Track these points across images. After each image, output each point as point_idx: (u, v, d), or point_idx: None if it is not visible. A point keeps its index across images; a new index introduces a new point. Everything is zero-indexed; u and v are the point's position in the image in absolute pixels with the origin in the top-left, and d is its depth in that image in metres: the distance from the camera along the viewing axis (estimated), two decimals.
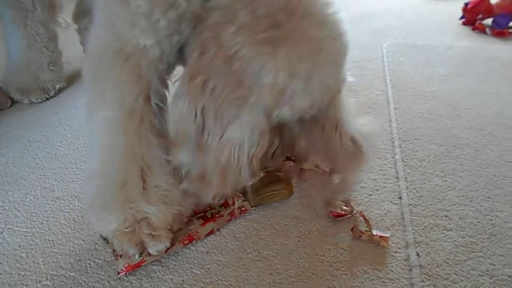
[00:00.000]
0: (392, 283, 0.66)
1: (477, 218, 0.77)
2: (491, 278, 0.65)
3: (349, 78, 0.72)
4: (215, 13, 0.59)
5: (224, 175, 0.62)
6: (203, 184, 0.65)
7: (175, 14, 0.60)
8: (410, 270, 0.68)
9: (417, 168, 0.92)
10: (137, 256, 0.68)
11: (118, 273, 0.67)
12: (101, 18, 0.67)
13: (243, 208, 0.79)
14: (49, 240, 0.76)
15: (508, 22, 1.71)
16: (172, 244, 0.70)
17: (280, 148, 0.73)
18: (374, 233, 0.74)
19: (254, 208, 0.81)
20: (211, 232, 0.75)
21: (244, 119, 0.59)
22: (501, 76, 1.34)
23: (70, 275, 0.69)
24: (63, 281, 0.68)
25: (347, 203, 0.81)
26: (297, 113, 0.63)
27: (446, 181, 0.87)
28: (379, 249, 0.72)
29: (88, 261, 0.71)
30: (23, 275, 0.69)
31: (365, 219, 0.77)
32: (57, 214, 0.82)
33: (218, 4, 0.59)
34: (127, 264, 0.67)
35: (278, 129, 0.68)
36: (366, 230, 0.75)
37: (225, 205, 0.78)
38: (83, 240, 0.76)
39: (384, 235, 0.74)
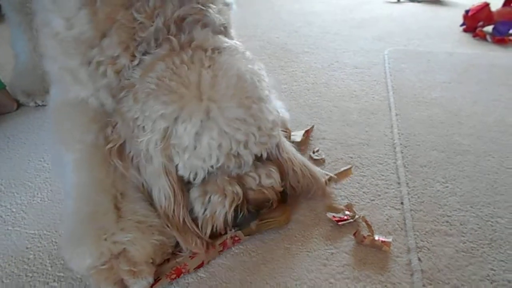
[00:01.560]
0: (394, 287, 0.67)
1: (477, 224, 0.78)
2: (491, 283, 0.66)
3: (284, 115, 0.80)
4: (121, 91, 0.71)
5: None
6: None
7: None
8: (412, 274, 0.69)
9: (418, 174, 0.93)
10: None
11: None
12: (55, 74, 0.78)
13: (236, 238, 0.74)
14: (56, 242, 0.77)
15: (509, 30, 1.72)
16: (158, 279, 0.65)
17: (244, 201, 0.70)
18: (376, 238, 0.75)
19: (248, 236, 0.75)
20: (201, 265, 0.70)
21: (151, 172, 0.68)
22: (502, 83, 1.36)
23: (77, 277, 0.70)
24: (70, 283, 0.69)
25: (349, 208, 0.82)
26: (209, 163, 0.65)
27: (447, 187, 0.88)
28: (381, 254, 0.73)
29: None
30: (31, 277, 0.70)
31: (367, 224, 0.78)
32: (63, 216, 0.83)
33: (125, 83, 0.71)
34: None
35: (238, 182, 0.70)
36: (368, 235, 0.76)
37: (217, 235, 0.72)
38: None
39: (386, 240, 0.75)
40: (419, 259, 0.71)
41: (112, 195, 0.68)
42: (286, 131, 0.89)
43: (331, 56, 1.58)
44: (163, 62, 0.67)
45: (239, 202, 0.68)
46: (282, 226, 0.78)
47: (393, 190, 0.89)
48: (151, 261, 0.66)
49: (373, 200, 0.86)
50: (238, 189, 0.68)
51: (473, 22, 1.82)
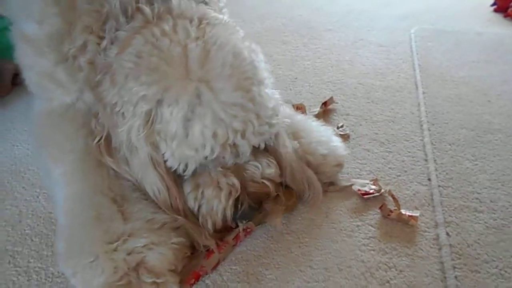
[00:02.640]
0: (422, 260, 0.66)
1: (509, 202, 0.76)
2: None
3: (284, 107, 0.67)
4: (97, 72, 0.63)
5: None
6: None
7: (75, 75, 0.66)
8: (440, 249, 0.68)
9: (446, 151, 0.90)
10: None
11: None
12: (34, 82, 0.71)
13: (248, 229, 0.69)
14: None
15: None
16: None
17: (244, 194, 0.63)
18: (403, 212, 0.74)
19: (259, 225, 0.71)
20: (217, 264, 0.65)
21: (138, 162, 0.61)
22: None
23: None
24: None
25: (375, 182, 0.81)
26: (202, 154, 0.56)
27: (477, 164, 0.86)
28: (408, 228, 0.72)
29: None
30: None
31: (393, 198, 0.77)
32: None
33: (100, 63, 0.63)
34: None
35: (236, 173, 0.62)
36: (394, 209, 0.75)
37: (228, 230, 0.67)
38: None
39: (413, 214, 0.74)
40: (447, 234, 0.70)
41: (111, 198, 0.61)
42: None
43: (356, 34, 1.54)
44: (139, 35, 0.58)
45: (237, 195, 0.61)
46: (291, 211, 0.74)
47: (420, 167, 0.87)
48: (173, 267, 0.59)
49: (399, 175, 0.85)
50: (234, 180, 0.60)
51: (505, 2, 1.74)
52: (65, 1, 0.61)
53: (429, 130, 0.98)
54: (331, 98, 1.08)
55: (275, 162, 0.65)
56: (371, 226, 0.73)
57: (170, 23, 0.58)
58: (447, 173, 0.84)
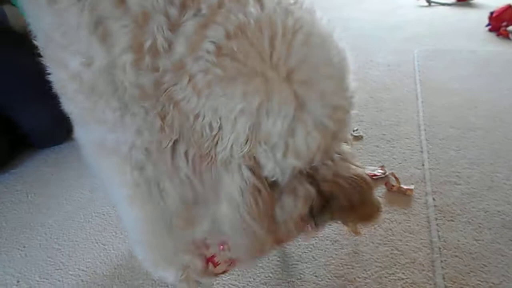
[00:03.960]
0: (414, 216, 0.95)
1: (480, 177, 1.04)
2: (485, 212, 0.93)
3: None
4: (166, 75, 0.51)
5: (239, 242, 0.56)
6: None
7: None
8: (427, 208, 0.96)
9: (437, 144, 1.19)
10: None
11: None
12: (77, 116, 0.64)
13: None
14: None
15: None
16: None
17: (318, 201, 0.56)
18: (402, 186, 1.03)
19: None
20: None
21: (227, 178, 0.51)
22: None
23: None
24: None
25: (382, 168, 1.10)
26: (306, 157, 0.51)
27: (459, 153, 1.14)
28: (405, 197, 1.01)
29: None
30: None
31: (395, 177, 1.06)
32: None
33: (167, 65, 0.51)
34: None
35: (311, 180, 0.55)
36: (396, 185, 1.04)
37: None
38: None
39: (410, 187, 1.03)
40: (434, 199, 0.98)
41: (163, 223, 0.65)
42: None
43: (366, 56, 1.85)
44: (214, 26, 0.46)
45: (313, 203, 0.56)
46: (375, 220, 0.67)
47: (416, 156, 1.16)
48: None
49: (400, 163, 1.14)
50: (309, 188, 0.55)
51: (497, 22, 2.02)
52: (101, 30, 0.51)
53: (425, 130, 1.27)
54: None
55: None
56: (379, 196, 1.02)
57: (255, 6, 0.47)
58: (436, 160, 1.12)
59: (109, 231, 0.98)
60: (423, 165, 1.12)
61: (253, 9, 0.47)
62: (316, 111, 0.47)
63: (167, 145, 0.52)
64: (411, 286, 0.78)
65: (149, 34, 0.49)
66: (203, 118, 0.48)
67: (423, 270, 0.81)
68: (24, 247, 0.96)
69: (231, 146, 0.48)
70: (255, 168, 0.50)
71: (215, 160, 0.50)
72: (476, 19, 2.25)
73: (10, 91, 1.22)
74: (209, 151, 0.50)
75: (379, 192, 1.04)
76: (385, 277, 0.81)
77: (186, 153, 0.51)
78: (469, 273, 0.79)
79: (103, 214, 1.04)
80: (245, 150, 0.48)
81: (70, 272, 0.88)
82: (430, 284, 0.78)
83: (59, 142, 1.34)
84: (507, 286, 0.76)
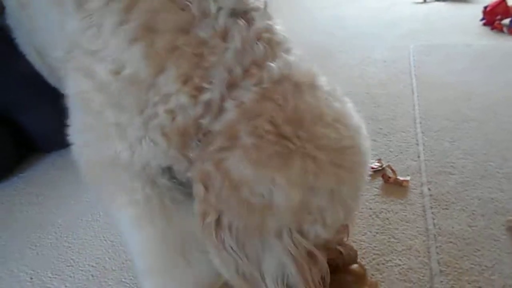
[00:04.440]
0: (410, 206, 0.98)
1: (474, 166, 1.07)
2: (479, 200, 0.96)
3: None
4: (214, 139, 0.52)
5: None
6: None
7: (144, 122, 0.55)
8: (423, 198, 0.99)
9: (432, 136, 1.23)
10: None
11: None
12: (82, 124, 0.63)
13: None
14: None
15: None
16: None
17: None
18: (399, 178, 1.06)
19: None
20: None
21: (275, 250, 0.50)
22: (510, 67, 1.61)
23: None
24: None
25: (379, 161, 1.14)
26: (333, 229, 0.54)
27: (453, 144, 1.18)
28: (401, 188, 1.04)
29: None
30: None
31: (391, 169, 1.09)
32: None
33: (216, 127, 0.52)
34: None
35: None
36: (392, 176, 1.07)
37: None
38: None
39: (406, 179, 1.06)
40: (429, 189, 1.02)
41: (179, 247, 0.63)
42: None
43: (363, 53, 1.89)
44: (271, 104, 0.50)
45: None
46: None
47: (412, 149, 1.19)
48: None
49: (397, 155, 1.17)
50: (321, 257, 0.55)
51: (492, 16, 2.05)
52: (161, 42, 0.51)
53: (421, 123, 1.30)
54: None
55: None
56: (376, 188, 1.05)
57: (302, 94, 0.52)
58: (431, 152, 1.16)
59: (116, 229, 1.02)
60: (418, 157, 1.15)
61: (308, 97, 0.52)
62: (349, 193, 0.51)
63: (214, 218, 0.51)
64: (408, 271, 0.82)
65: (210, 83, 0.52)
66: (256, 189, 0.49)
67: (419, 256, 0.85)
68: (35, 245, 0.99)
69: (284, 214, 0.49)
70: (303, 235, 0.51)
71: (263, 230, 0.50)
72: (470, 14, 2.28)
73: (16, 96, 1.26)
74: (256, 222, 0.49)
75: (376, 185, 1.07)
76: (383, 263, 0.84)
77: (230, 226, 0.50)
78: (462, 257, 0.82)
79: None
80: (296, 218, 0.50)
81: (81, 268, 0.91)
82: (426, 269, 0.81)
83: (65, 146, 1.37)
84: (499, 269, 0.79)
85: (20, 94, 1.27)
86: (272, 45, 0.56)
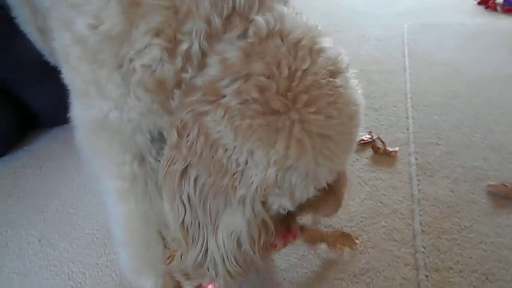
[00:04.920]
0: (397, 174, 1.03)
1: (460, 138, 1.12)
2: (462, 168, 1.01)
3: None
4: (196, 91, 0.50)
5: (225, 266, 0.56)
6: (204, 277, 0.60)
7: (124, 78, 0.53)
8: (410, 167, 1.05)
9: (422, 111, 1.27)
10: None
11: None
12: (78, 88, 0.61)
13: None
14: None
15: None
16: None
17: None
18: (388, 149, 1.11)
19: None
20: None
21: (235, 211, 0.52)
22: (502, 46, 1.64)
23: None
24: None
25: (369, 133, 1.18)
26: (298, 202, 0.54)
27: (442, 117, 1.22)
28: (390, 158, 1.09)
29: None
30: None
31: (381, 140, 1.14)
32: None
33: (199, 82, 0.51)
34: None
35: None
36: (381, 147, 1.12)
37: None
38: None
39: (394, 149, 1.11)
40: (416, 159, 1.07)
41: (156, 228, 0.67)
42: None
43: (359, 32, 1.91)
44: (260, 65, 0.47)
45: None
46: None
47: (402, 122, 1.24)
48: None
49: (387, 128, 1.22)
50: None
51: None
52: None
53: (411, 98, 1.34)
54: None
55: None
56: (366, 158, 1.11)
57: (299, 55, 0.48)
58: (420, 125, 1.20)
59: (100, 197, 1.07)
60: (407, 129, 1.20)
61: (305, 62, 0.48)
62: (330, 165, 0.50)
63: (181, 166, 0.51)
64: (392, 231, 0.87)
65: (186, 34, 0.49)
66: (232, 154, 0.48)
67: (404, 218, 0.90)
68: (42, 212, 1.05)
69: (254, 186, 0.49)
70: (265, 205, 0.52)
71: (229, 192, 0.50)
72: None
73: (18, 73, 1.30)
74: (225, 183, 0.49)
75: (366, 155, 1.12)
76: (369, 225, 0.90)
77: (196, 179, 0.51)
78: (443, 219, 0.88)
79: None
80: (265, 191, 0.50)
81: (86, 231, 0.97)
82: (409, 230, 0.87)
83: (67, 121, 1.41)
84: (477, 228, 0.85)
85: (22, 72, 1.30)
86: None
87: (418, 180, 0.99)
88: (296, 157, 0.47)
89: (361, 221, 0.91)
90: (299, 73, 0.47)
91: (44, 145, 1.33)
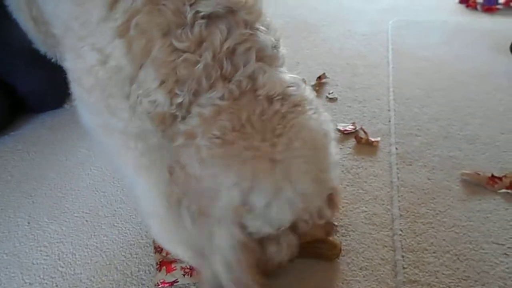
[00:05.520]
0: (378, 162, 1.08)
1: (438, 130, 1.18)
2: (439, 157, 1.07)
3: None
4: (178, 137, 0.61)
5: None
6: None
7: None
8: (390, 156, 1.09)
9: (404, 103, 1.32)
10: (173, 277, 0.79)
11: (156, 284, 0.79)
12: (78, 97, 0.70)
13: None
14: None
15: (497, 0, 2.04)
16: None
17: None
18: (370, 139, 1.16)
19: None
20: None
21: (218, 235, 0.59)
22: (482, 43, 1.71)
23: None
24: None
25: (353, 124, 1.23)
26: (278, 226, 0.60)
27: (422, 110, 1.28)
28: (372, 148, 1.14)
29: None
30: None
31: (364, 131, 1.19)
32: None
33: (182, 128, 0.61)
34: (162, 280, 0.79)
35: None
36: (364, 137, 1.17)
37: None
38: None
39: (376, 139, 1.16)
40: (396, 148, 1.12)
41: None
42: None
43: (345, 27, 1.95)
44: (225, 116, 0.58)
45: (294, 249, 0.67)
46: (331, 260, 0.82)
47: (384, 114, 1.28)
48: None
49: (370, 120, 1.26)
50: (293, 239, 0.66)
51: None
52: (138, 44, 0.58)
53: (394, 91, 1.39)
54: (324, 74, 1.51)
55: (327, 208, 0.68)
56: (349, 148, 1.15)
57: (258, 108, 0.58)
58: (401, 117, 1.25)
59: (107, 181, 1.09)
60: (389, 121, 1.25)
61: (254, 109, 0.58)
62: (292, 198, 0.58)
63: (176, 199, 0.62)
64: (372, 216, 0.92)
65: (180, 90, 0.59)
66: (204, 182, 0.58)
67: (383, 204, 0.95)
68: (31, 196, 1.06)
69: (225, 207, 0.57)
70: (243, 227, 0.58)
71: (212, 217, 0.58)
72: None
73: (7, 59, 1.29)
74: (208, 209, 0.58)
75: (349, 145, 1.16)
76: (351, 210, 0.94)
77: (188, 207, 0.61)
78: (420, 204, 0.93)
79: (101, 168, 1.14)
80: (236, 213, 0.57)
81: (75, 215, 0.99)
82: (388, 214, 0.92)
83: (55, 107, 1.42)
84: (450, 213, 0.90)
85: (12, 58, 1.30)
86: (249, 54, 0.61)
87: (397, 168, 1.04)
88: (252, 178, 0.55)
89: (342, 207, 0.95)
90: (255, 117, 0.58)
91: (31, 131, 1.34)
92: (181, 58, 0.58)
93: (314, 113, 0.62)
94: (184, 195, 0.61)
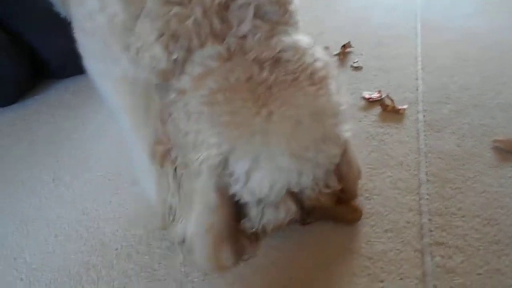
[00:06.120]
0: (405, 130, 1.05)
1: (468, 99, 1.13)
2: (469, 125, 1.03)
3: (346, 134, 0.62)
4: (171, 92, 0.61)
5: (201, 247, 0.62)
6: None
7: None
8: (417, 123, 1.06)
9: (432, 73, 1.27)
10: None
11: None
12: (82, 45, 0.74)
13: None
14: None
15: None
16: None
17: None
18: (396, 106, 1.12)
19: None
20: None
21: (198, 193, 0.58)
22: None
23: None
24: None
25: (379, 92, 1.19)
26: (259, 194, 0.58)
27: (451, 79, 1.22)
28: (398, 115, 1.10)
29: None
30: None
31: (390, 98, 1.15)
32: None
33: (175, 84, 0.61)
34: None
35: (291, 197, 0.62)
36: (390, 105, 1.13)
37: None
38: None
39: (403, 107, 1.12)
40: (424, 116, 1.08)
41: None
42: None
43: None
44: (213, 77, 0.56)
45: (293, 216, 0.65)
46: (352, 223, 0.80)
47: (412, 83, 1.24)
48: None
49: (396, 89, 1.22)
50: (292, 205, 0.63)
51: None
52: None
53: (422, 61, 1.34)
54: (348, 42, 1.46)
55: (334, 177, 0.66)
56: (374, 115, 1.12)
57: (246, 73, 0.56)
58: (429, 86, 1.21)
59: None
60: (417, 89, 1.20)
61: (242, 72, 0.56)
62: (278, 161, 0.55)
63: (164, 149, 0.63)
64: (397, 181, 0.89)
65: (175, 45, 0.59)
66: (189, 136, 0.58)
67: (409, 170, 0.92)
68: (55, 156, 1.07)
69: (204, 164, 0.56)
70: (225, 191, 0.58)
71: (193, 172, 0.58)
72: None
73: (30, 24, 1.30)
74: (191, 164, 0.59)
75: (374, 112, 1.13)
76: (375, 175, 0.92)
77: (174, 159, 0.62)
78: (449, 170, 0.90)
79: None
80: (215, 172, 0.56)
81: (98, 173, 1.00)
82: (414, 180, 0.89)
83: (77, 73, 1.43)
84: (481, 179, 0.87)
85: (34, 22, 1.31)
86: (245, 10, 0.58)
87: (425, 135, 1.01)
88: (231, 142, 0.54)
89: (367, 171, 0.93)
90: (241, 83, 0.56)
91: (54, 95, 1.35)
92: (173, 11, 0.57)
93: (312, 84, 0.57)
94: (173, 146, 0.62)
